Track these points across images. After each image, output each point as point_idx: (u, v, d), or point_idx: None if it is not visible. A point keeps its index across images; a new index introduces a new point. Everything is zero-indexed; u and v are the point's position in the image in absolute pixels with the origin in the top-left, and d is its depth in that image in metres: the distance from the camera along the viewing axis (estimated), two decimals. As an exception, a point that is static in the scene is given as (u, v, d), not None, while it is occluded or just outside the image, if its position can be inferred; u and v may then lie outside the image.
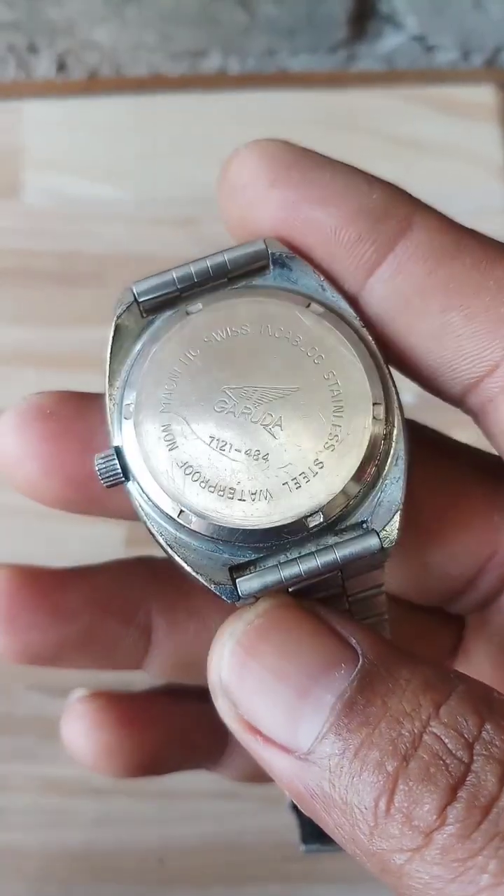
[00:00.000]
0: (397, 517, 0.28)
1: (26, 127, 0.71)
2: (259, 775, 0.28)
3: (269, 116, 0.70)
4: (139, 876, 0.60)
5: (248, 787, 0.58)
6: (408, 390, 0.30)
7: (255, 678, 0.26)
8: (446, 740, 0.24)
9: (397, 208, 0.28)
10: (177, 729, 0.38)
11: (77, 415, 0.30)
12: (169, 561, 0.28)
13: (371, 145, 0.70)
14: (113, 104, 0.72)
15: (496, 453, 0.31)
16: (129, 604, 0.35)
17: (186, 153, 0.70)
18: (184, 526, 0.27)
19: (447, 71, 0.73)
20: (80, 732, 0.37)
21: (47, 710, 0.60)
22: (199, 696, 0.32)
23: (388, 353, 0.29)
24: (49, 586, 0.34)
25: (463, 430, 0.33)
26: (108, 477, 0.28)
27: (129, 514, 0.29)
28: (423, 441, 0.32)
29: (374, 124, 0.70)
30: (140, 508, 0.28)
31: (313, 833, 0.39)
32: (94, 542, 0.60)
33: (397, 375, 0.30)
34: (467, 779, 0.24)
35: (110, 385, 0.29)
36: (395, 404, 0.28)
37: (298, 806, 0.26)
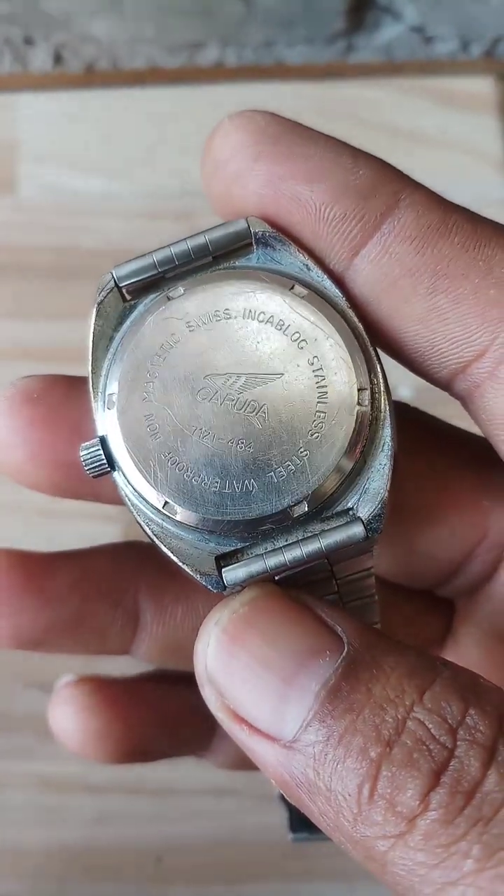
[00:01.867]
0: (383, 504, 0.27)
1: (22, 120, 0.71)
2: (247, 762, 0.27)
3: (267, 108, 0.70)
4: (137, 874, 0.59)
5: (245, 784, 0.58)
6: (406, 385, 0.29)
7: (240, 666, 0.26)
8: (430, 726, 0.24)
9: (384, 185, 0.27)
10: (165, 715, 0.38)
11: (65, 399, 0.30)
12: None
13: (369, 137, 0.69)
14: (110, 97, 0.72)
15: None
16: (116, 587, 0.35)
17: (183, 146, 0.69)
18: (169, 516, 0.27)
19: (446, 62, 0.73)
20: (68, 717, 0.36)
21: (45, 707, 0.60)
22: (187, 682, 0.32)
23: (374, 335, 0.28)
24: (37, 570, 0.33)
25: (463, 424, 0.33)
26: (93, 467, 0.28)
27: (119, 499, 0.29)
28: (412, 423, 0.32)
29: (373, 116, 0.70)
30: (126, 498, 0.28)
31: (301, 822, 0.39)
32: (90, 538, 0.60)
33: (395, 364, 0.29)
34: (451, 764, 0.23)
35: (93, 373, 0.28)
36: (382, 388, 0.28)
37: (284, 795, 0.26)
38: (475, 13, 0.69)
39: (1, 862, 0.60)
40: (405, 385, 0.29)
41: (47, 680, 0.61)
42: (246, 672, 0.26)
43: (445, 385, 0.29)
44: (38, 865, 0.60)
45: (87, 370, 0.29)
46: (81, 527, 0.59)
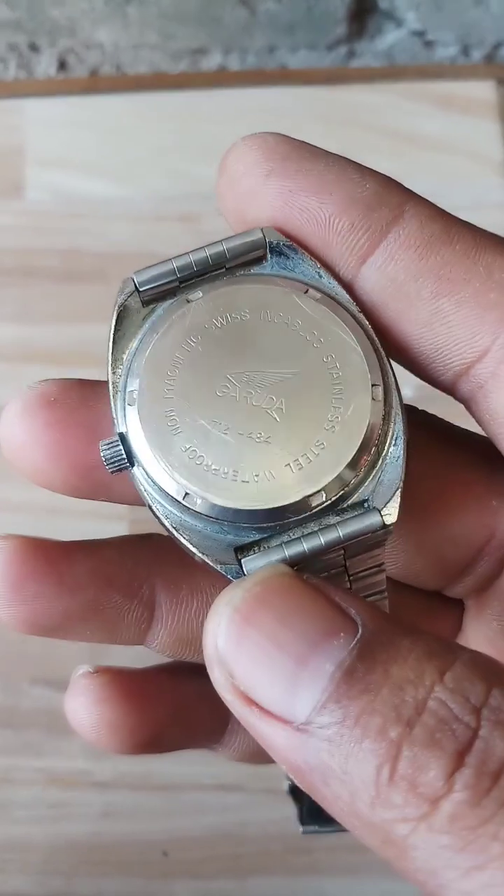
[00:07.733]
0: (398, 495, 0.28)
1: (28, 125, 0.71)
2: (260, 755, 0.27)
3: (270, 113, 0.71)
4: (143, 868, 0.60)
5: (251, 779, 0.59)
6: (406, 384, 0.30)
7: (252, 646, 0.25)
8: (452, 706, 0.23)
9: (389, 198, 0.29)
10: (179, 706, 0.38)
11: (82, 402, 0.31)
12: (175, 543, 0.29)
13: (371, 141, 0.70)
14: (114, 102, 0.73)
15: None
16: (133, 578, 0.35)
17: (187, 150, 0.70)
18: (189, 508, 0.28)
19: (447, 66, 0.74)
20: (84, 707, 0.37)
21: (52, 703, 0.61)
22: (201, 674, 0.32)
23: (382, 340, 0.29)
24: (56, 557, 0.34)
25: (463, 423, 0.33)
26: (113, 463, 0.28)
27: (135, 499, 0.29)
28: (421, 425, 0.33)
29: (374, 120, 0.71)
30: (145, 493, 0.29)
31: (311, 814, 0.39)
32: (97, 535, 0.61)
33: (397, 367, 0.30)
34: (475, 744, 0.23)
35: (113, 373, 0.29)
36: (393, 386, 0.29)
37: (296, 781, 0.26)
38: (476, 18, 0.70)
39: (8, 857, 0.61)
40: (406, 385, 0.30)
41: (54, 676, 0.62)
42: (258, 652, 0.25)
43: (450, 388, 0.30)
44: (45, 860, 0.61)
45: (105, 370, 0.29)
46: (88, 525, 0.60)
